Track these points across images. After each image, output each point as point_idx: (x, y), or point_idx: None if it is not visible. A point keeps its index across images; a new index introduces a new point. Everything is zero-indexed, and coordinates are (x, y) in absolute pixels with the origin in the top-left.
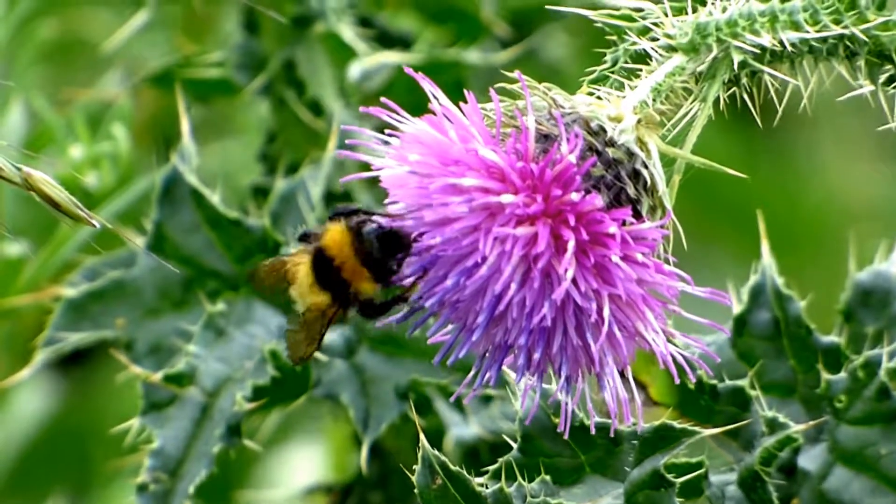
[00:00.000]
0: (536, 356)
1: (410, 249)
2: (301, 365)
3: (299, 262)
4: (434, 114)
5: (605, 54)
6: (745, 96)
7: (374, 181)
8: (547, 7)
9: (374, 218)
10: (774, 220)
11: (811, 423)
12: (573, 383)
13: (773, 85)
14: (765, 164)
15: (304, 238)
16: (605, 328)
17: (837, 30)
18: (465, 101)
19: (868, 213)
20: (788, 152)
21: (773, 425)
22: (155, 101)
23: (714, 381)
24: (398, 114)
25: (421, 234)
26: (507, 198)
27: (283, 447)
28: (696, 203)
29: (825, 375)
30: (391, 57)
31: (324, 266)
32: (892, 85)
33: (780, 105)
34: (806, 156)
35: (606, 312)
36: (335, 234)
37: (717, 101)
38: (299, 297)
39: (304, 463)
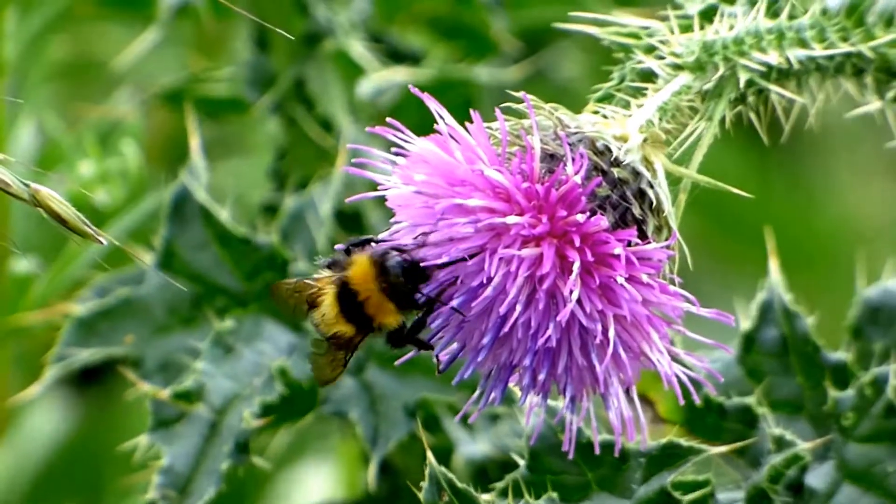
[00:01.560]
0: (541, 376)
1: (431, 280)
2: (326, 386)
3: (325, 291)
4: (440, 134)
5: (612, 72)
6: (752, 115)
7: (384, 200)
8: (554, 25)
9: (395, 250)
10: (788, 239)
11: (818, 440)
12: (578, 402)
13: (780, 103)
14: (779, 185)
15: (332, 266)
16: (610, 349)
17: (845, 47)
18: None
19: (881, 232)
20: (803, 173)
21: (781, 443)
22: (168, 119)
23: (721, 399)
24: (404, 133)
25: (443, 266)
26: (512, 219)
27: (294, 465)
28: (711, 223)
29: (833, 393)
30: (401, 74)
31: (348, 299)
32: None
33: (786, 123)
34: (820, 176)
35: (612, 333)
36: (360, 268)
37: (723, 119)
38: (323, 325)
39: (315, 481)
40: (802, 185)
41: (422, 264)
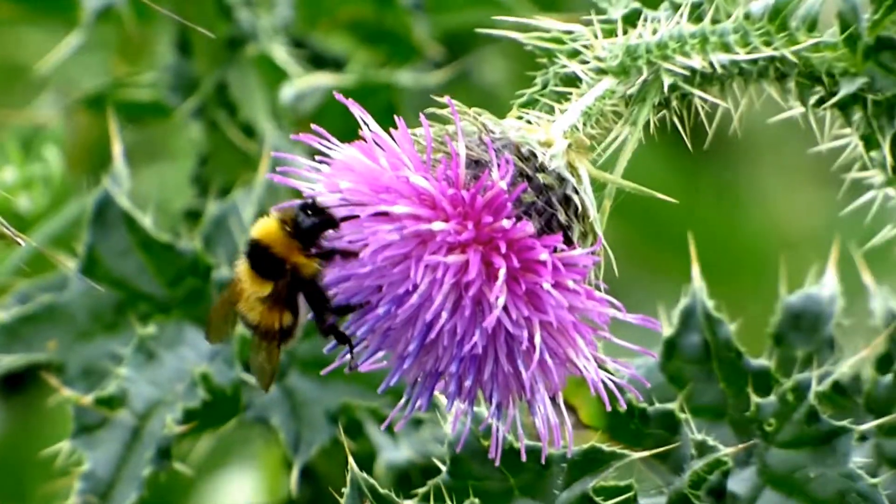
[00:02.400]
0: (468, 383)
1: (336, 223)
2: (269, 387)
3: (239, 272)
4: (364, 140)
5: (536, 77)
6: (676, 119)
7: None
8: (477, 30)
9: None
10: (715, 247)
11: (740, 446)
12: (504, 409)
13: (703, 108)
14: (706, 192)
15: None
16: (536, 355)
17: (768, 52)
18: (397, 127)
19: (807, 240)
20: (731, 182)
21: (703, 448)
22: (91, 124)
23: (644, 405)
24: (329, 140)
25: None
26: (438, 225)
27: (218, 471)
28: (639, 231)
29: (755, 399)
30: (323, 79)
31: (258, 253)
32: (823, 106)
33: (710, 128)
34: (746, 183)
35: (538, 340)
36: (261, 223)
37: (648, 124)
38: (247, 305)
39: (238, 487)
40: (729, 192)
41: (318, 202)
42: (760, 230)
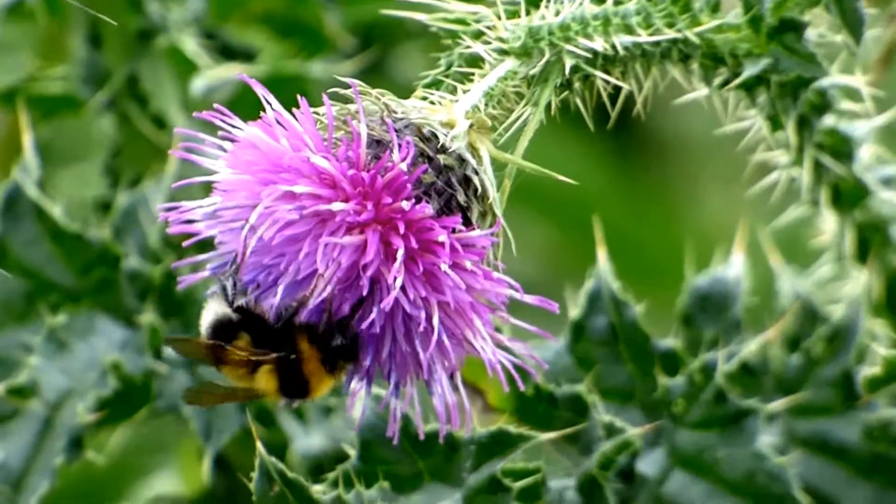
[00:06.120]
0: (366, 362)
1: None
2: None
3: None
4: (268, 119)
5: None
6: (578, 100)
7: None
8: (382, 12)
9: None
10: (652, 252)
11: (648, 426)
12: (402, 388)
13: (605, 90)
14: (644, 197)
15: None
16: (434, 336)
17: (671, 33)
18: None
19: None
20: (668, 186)
21: (611, 430)
22: (9, 120)
23: (552, 387)
24: (232, 119)
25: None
26: (337, 205)
27: (141, 463)
28: (578, 237)
29: (663, 380)
30: (234, 70)
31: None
32: (727, 88)
33: (612, 110)
34: (686, 192)
35: (436, 320)
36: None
37: (549, 105)
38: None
39: (160, 478)
40: (667, 197)
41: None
42: (698, 234)
